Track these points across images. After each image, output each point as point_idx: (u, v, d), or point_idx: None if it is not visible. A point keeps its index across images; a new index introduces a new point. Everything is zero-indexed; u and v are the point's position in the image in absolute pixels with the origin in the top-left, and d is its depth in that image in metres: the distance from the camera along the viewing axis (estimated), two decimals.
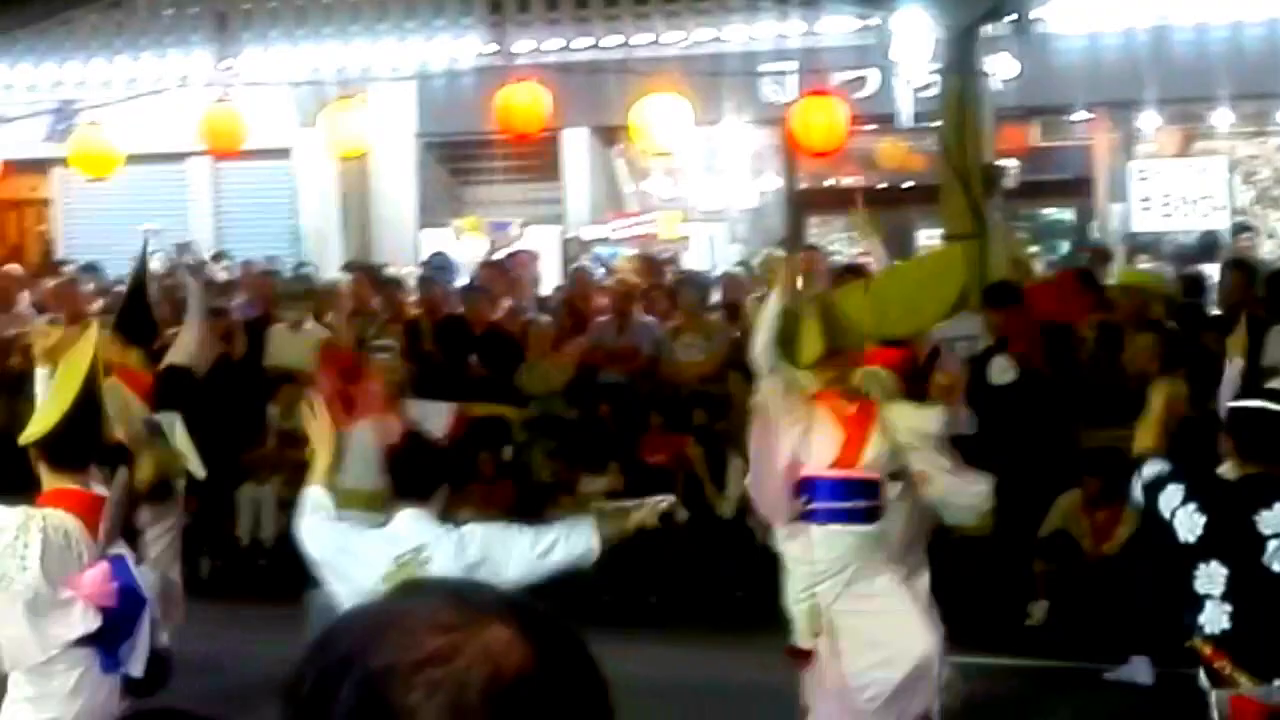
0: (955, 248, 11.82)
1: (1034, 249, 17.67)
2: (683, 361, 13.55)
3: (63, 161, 17.76)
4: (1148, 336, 11.51)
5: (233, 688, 9.33)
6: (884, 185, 19.22)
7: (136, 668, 6.36)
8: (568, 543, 6.50)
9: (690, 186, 19.69)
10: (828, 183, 19.70)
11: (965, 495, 8.38)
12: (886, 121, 16.61)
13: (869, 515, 8.13)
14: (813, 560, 8.12)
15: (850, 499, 8.15)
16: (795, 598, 8.18)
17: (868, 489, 8.16)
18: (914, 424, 8.32)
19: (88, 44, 18.29)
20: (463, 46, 17.80)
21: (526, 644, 1.49)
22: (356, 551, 6.57)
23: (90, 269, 17.56)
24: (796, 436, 8.09)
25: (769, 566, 8.64)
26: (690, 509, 12.29)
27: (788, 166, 19.34)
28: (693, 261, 17.86)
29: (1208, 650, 6.40)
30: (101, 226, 20.08)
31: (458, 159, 20.59)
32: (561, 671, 1.51)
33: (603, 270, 17.11)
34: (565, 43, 17.79)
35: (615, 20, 17.69)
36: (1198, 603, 6.39)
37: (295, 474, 13.30)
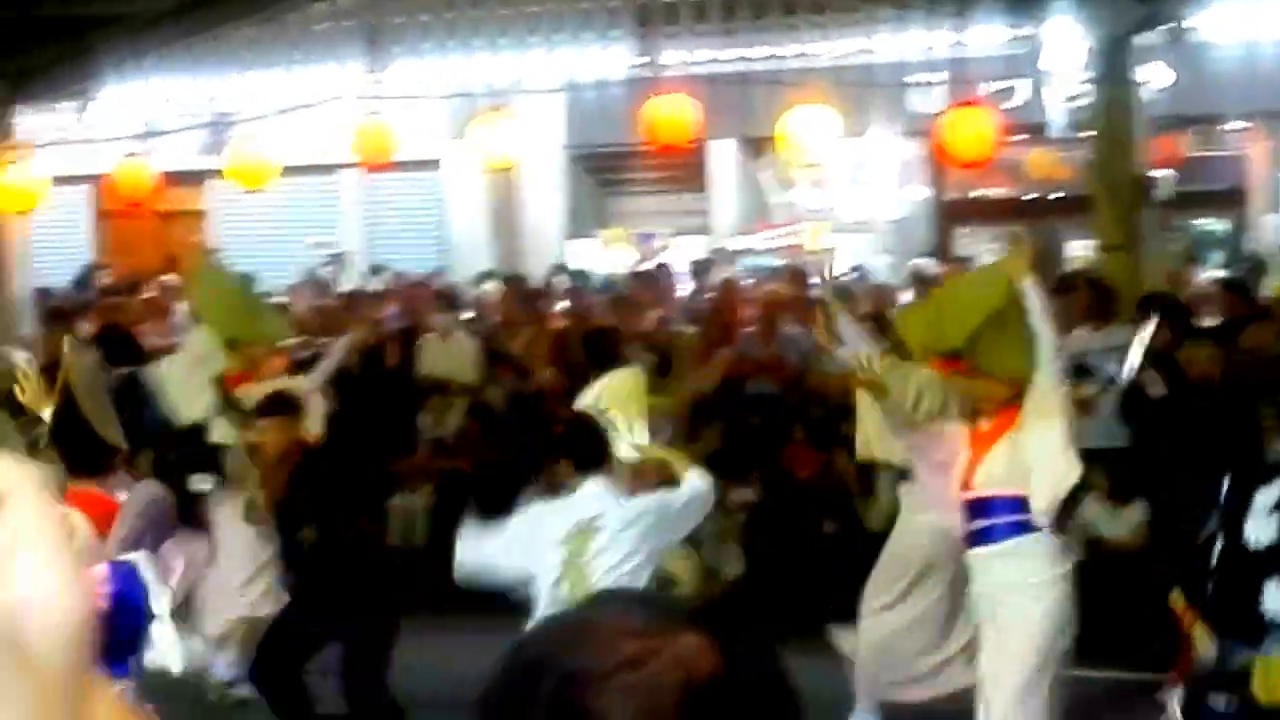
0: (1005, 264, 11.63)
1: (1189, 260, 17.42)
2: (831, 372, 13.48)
3: (218, 174, 18.05)
4: (1205, 344, 11.21)
5: None
6: (1032, 196, 19.06)
7: None
8: (692, 492, 7.41)
9: (837, 197, 19.63)
10: (976, 193, 19.57)
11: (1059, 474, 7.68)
12: (1037, 132, 16.47)
13: (997, 534, 7.80)
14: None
15: (973, 520, 7.95)
16: None
17: (987, 507, 7.83)
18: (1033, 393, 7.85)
19: (242, 58, 18.54)
20: (610, 58, 17.85)
21: (717, 651, 1.51)
22: (541, 520, 7.33)
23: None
24: (948, 462, 7.98)
25: None
26: (838, 522, 12.27)
27: (935, 177, 19.23)
28: (850, 267, 17.75)
29: (1180, 605, 6.38)
30: (256, 237, 20.43)
31: (605, 170, 20.68)
32: (753, 678, 1.52)
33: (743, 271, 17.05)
34: (713, 54, 17.79)
35: (763, 31, 17.68)
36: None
37: (446, 483, 13.50)
